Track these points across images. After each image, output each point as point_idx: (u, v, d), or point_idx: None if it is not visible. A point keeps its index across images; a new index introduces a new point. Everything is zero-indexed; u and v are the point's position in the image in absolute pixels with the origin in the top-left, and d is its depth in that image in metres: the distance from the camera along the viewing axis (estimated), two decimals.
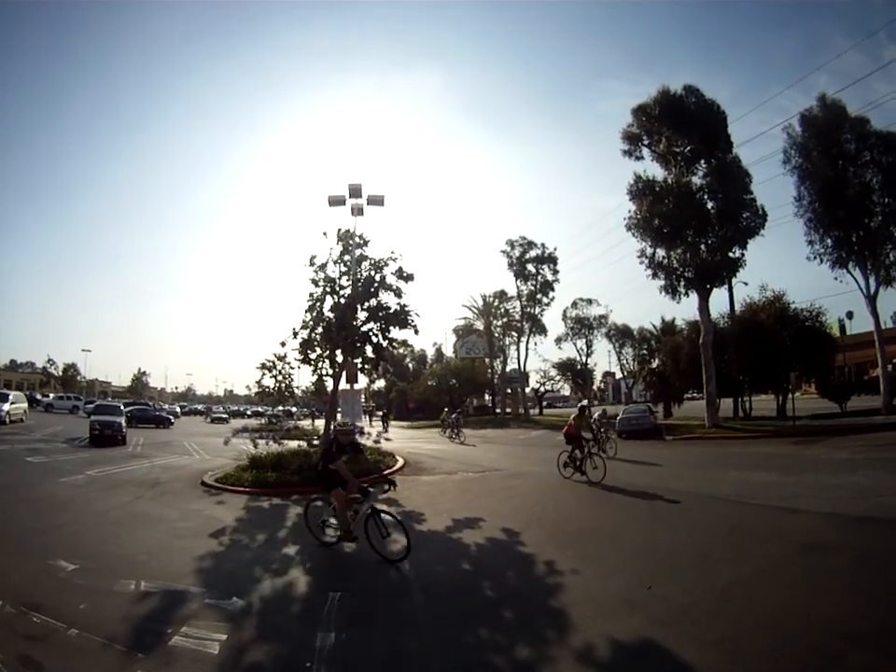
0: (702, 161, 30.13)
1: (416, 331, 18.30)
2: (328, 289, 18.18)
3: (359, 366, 19.80)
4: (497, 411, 60.40)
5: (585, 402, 13.88)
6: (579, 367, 54.17)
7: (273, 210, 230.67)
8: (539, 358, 69.52)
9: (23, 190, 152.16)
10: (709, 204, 29.81)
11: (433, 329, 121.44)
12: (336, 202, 19.59)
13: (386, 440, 27.79)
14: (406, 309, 18.00)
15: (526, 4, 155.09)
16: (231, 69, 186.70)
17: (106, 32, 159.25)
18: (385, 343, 18.41)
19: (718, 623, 5.29)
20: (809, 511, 9.41)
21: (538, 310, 55.05)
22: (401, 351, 65.97)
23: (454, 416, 34.73)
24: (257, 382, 19.74)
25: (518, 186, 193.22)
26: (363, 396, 55.18)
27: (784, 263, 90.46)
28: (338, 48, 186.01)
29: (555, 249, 53.89)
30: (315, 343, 18.09)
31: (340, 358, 18.20)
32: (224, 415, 63.07)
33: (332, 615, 5.95)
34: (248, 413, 71.27)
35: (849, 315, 46.24)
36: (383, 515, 8.29)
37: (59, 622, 5.50)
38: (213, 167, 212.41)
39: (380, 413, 50.55)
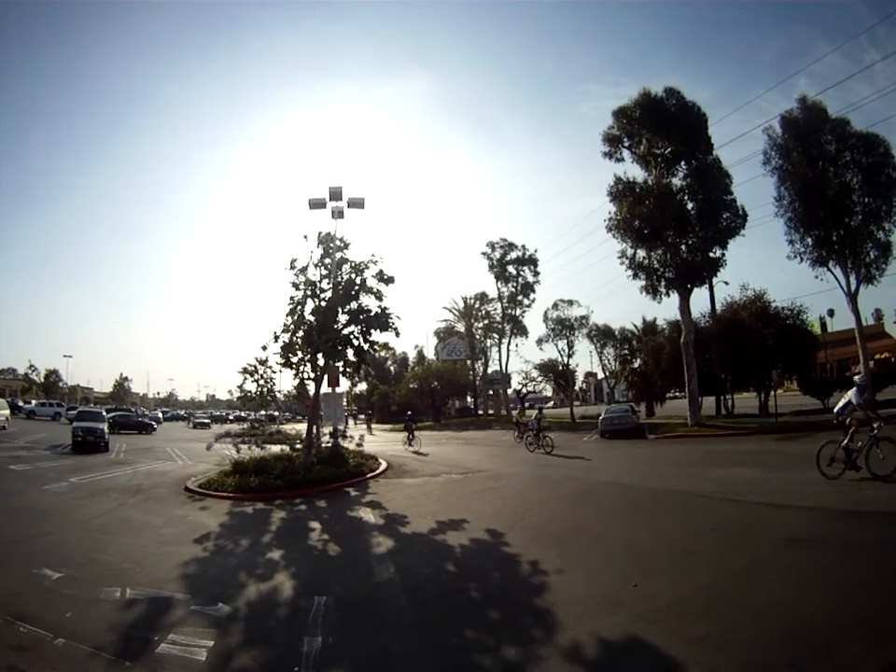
0: (682, 163, 30.41)
1: (397, 334, 18.39)
2: (308, 293, 18.17)
3: (341, 369, 19.86)
4: (480, 412, 60.42)
5: None
6: (560, 368, 54.01)
7: (254, 214, 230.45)
8: (520, 360, 69.98)
9: (3, 196, 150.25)
10: (689, 205, 30.19)
11: (414, 332, 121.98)
12: (316, 205, 19.60)
13: (420, 453, 24.73)
14: (387, 312, 18.06)
15: (510, 8, 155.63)
16: (213, 72, 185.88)
17: (88, 35, 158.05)
18: (366, 346, 18.47)
19: (704, 619, 5.29)
20: (793, 506, 9.44)
21: (518, 311, 55.49)
22: (383, 354, 65.63)
23: (535, 416, 24.70)
24: (239, 386, 19.74)
25: (501, 188, 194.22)
26: (345, 399, 54.89)
27: (765, 262, 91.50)
28: (322, 51, 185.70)
29: (536, 251, 54.38)
30: (297, 346, 18.09)
31: (321, 362, 18.22)
32: (206, 420, 63.03)
33: (319, 619, 5.92)
34: (231, 417, 71.02)
35: (830, 312, 46.65)
36: None
37: (45, 631, 5.45)
38: (194, 171, 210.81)
39: (406, 417, 32.69)
